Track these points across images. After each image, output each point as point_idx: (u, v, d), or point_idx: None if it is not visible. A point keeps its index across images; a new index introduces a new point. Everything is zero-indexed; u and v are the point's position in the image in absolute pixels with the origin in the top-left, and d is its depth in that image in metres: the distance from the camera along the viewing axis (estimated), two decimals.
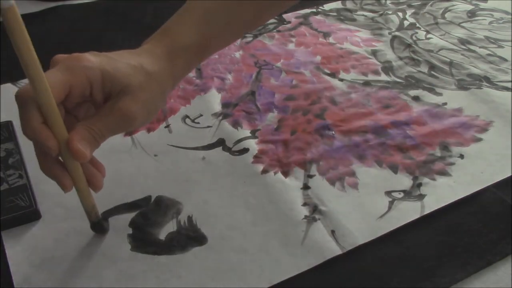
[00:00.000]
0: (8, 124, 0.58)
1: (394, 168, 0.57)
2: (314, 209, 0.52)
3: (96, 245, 0.48)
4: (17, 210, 0.49)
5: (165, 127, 0.61)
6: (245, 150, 0.58)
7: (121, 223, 0.50)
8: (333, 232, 0.50)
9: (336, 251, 0.48)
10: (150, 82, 0.42)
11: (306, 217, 0.51)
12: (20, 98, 0.38)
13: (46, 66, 0.69)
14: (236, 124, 0.62)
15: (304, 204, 0.53)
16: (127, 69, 0.41)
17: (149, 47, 0.45)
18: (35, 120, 0.37)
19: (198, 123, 0.62)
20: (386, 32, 0.81)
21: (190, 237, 0.49)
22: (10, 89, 0.65)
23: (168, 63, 0.44)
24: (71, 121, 0.41)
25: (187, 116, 0.62)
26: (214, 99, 0.65)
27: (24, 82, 0.66)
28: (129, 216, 0.50)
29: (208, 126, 0.61)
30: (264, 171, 0.56)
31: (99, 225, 0.47)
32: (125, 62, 0.42)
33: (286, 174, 0.56)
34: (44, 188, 0.52)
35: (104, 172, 0.45)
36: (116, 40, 0.75)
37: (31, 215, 0.49)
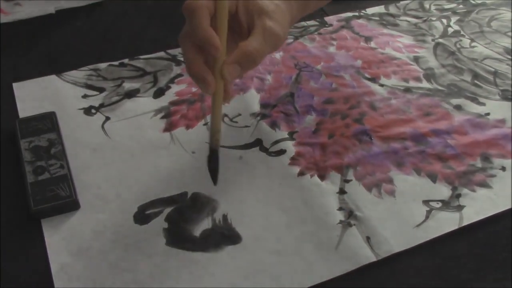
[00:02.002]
0: (52, 115, 0.59)
1: (433, 177, 0.56)
2: (350, 214, 0.52)
3: (132, 238, 0.49)
4: (57, 199, 0.50)
5: (204, 124, 0.61)
6: (282, 151, 0.58)
7: (157, 217, 0.50)
8: (368, 238, 0.49)
9: (371, 258, 0.48)
10: (279, 10, 0.48)
11: (341, 221, 0.51)
12: (191, 6, 0.43)
13: (86, 58, 0.70)
14: (274, 125, 0.62)
15: (340, 209, 0.52)
16: None
17: None
18: (206, 23, 0.42)
19: (236, 122, 0.62)
20: (429, 38, 0.79)
21: (225, 236, 0.49)
22: (55, 81, 0.66)
23: (287, 3, 0.50)
24: None
25: (225, 115, 0.63)
26: (253, 99, 0.65)
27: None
28: (165, 210, 0.51)
29: (246, 126, 0.61)
30: (301, 174, 0.56)
31: (214, 157, 0.46)
32: None
33: (322, 177, 0.55)
34: (84, 179, 0.53)
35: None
36: (158, 37, 0.75)
37: (71, 205, 0.51)
